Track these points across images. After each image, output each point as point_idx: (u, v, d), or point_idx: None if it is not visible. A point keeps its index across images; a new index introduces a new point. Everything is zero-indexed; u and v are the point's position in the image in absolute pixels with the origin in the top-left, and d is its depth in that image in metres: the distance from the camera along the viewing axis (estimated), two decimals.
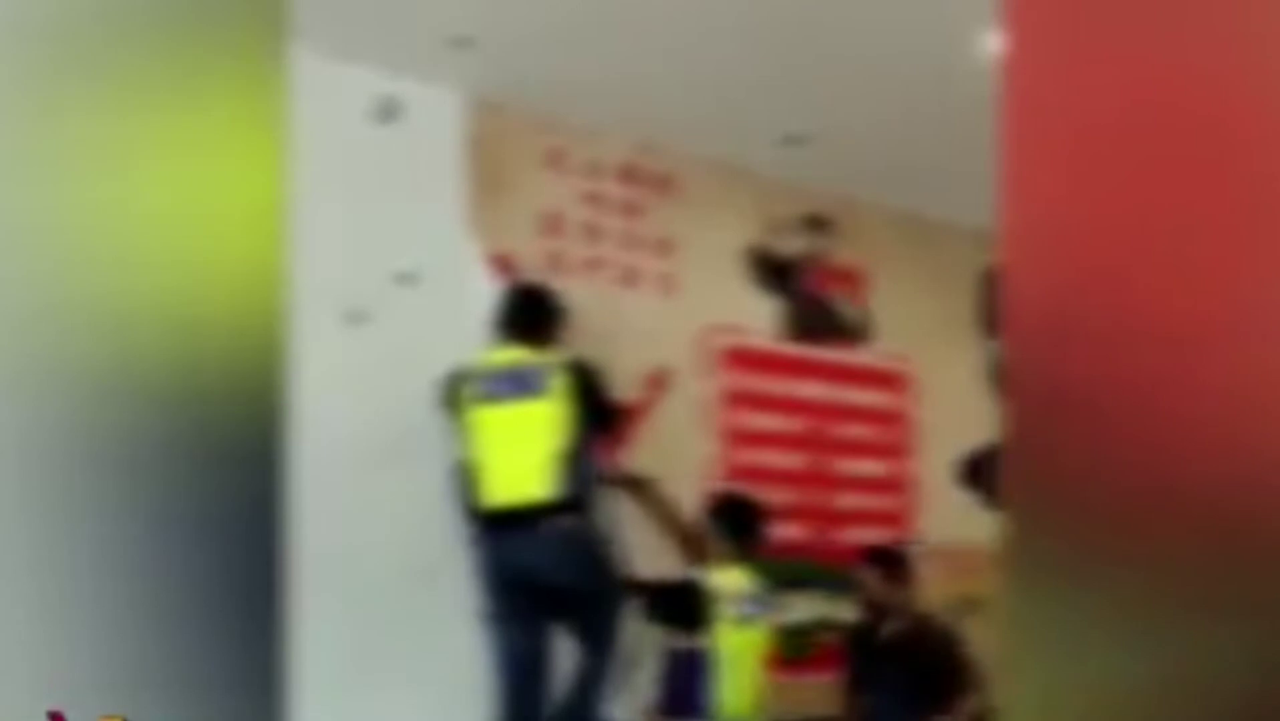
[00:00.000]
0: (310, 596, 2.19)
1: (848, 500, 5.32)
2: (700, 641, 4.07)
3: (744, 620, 4.12)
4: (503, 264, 4.37)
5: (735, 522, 4.31)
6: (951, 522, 5.52)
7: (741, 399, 5.05)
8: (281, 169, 1.77)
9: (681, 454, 4.77)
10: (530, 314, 4.03)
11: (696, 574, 4.20)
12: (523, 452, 3.81)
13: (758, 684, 4.16)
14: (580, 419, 3.85)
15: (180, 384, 1.67)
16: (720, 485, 4.76)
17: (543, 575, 3.81)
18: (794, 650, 4.77)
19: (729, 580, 4.16)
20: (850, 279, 5.44)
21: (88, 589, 1.57)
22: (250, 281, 1.73)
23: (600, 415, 3.97)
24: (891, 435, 5.50)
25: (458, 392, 3.91)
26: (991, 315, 5.73)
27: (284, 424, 1.70)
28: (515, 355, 3.92)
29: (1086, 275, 1.59)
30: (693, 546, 4.35)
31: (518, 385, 3.86)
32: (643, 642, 4.18)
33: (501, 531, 3.80)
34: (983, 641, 4.88)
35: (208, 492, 1.63)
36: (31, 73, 1.67)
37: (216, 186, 1.73)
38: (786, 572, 4.63)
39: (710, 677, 4.06)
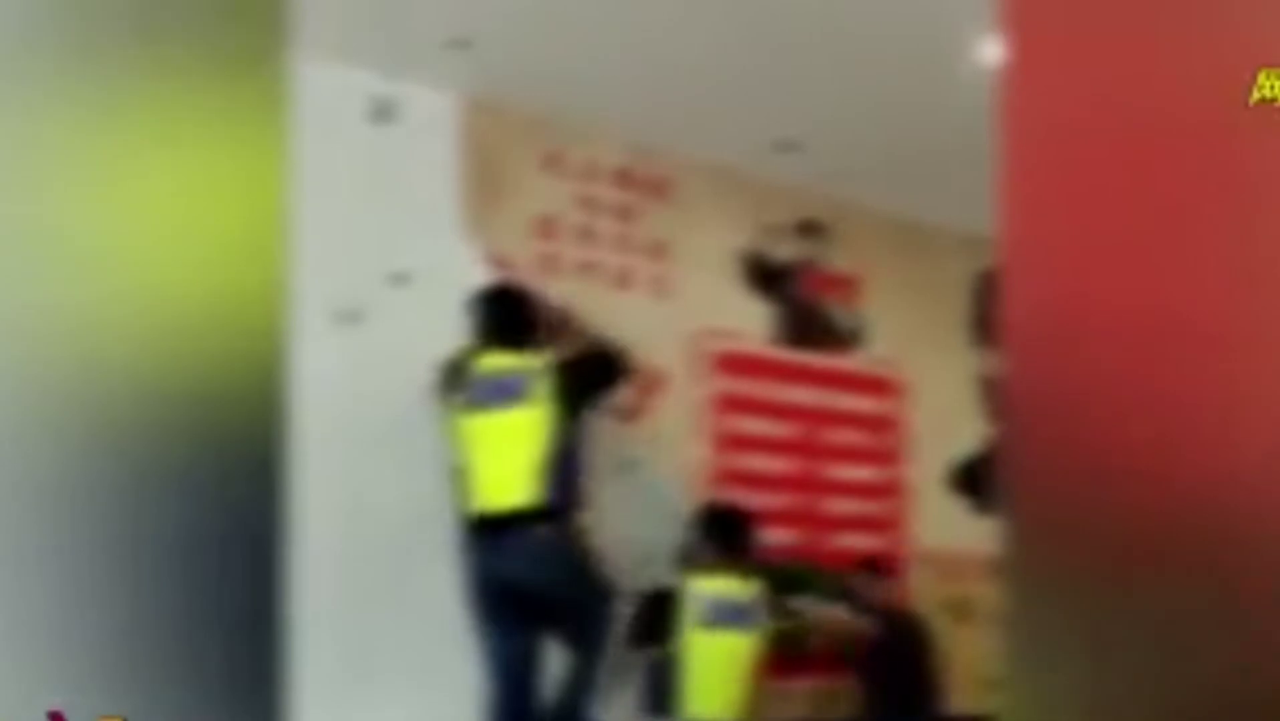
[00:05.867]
0: (310, 596, 2.19)
1: (840, 505, 5.33)
2: (669, 646, 4.13)
3: (713, 625, 4.14)
4: (497, 265, 4.37)
5: (723, 531, 4.34)
6: (944, 528, 5.53)
7: (734, 403, 5.05)
8: (280, 170, 1.77)
9: (674, 458, 4.78)
10: (511, 319, 4.02)
11: (673, 582, 4.24)
12: (507, 460, 3.81)
13: (735, 689, 4.17)
14: (567, 420, 3.86)
15: (177, 385, 1.67)
16: (711, 493, 4.78)
17: (525, 583, 3.82)
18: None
19: (707, 586, 4.19)
20: (844, 285, 5.44)
21: (87, 588, 1.57)
22: (249, 282, 1.73)
23: (602, 375, 4.00)
24: (884, 440, 5.51)
25: (448, 391, 3.91)
26: (986, 321, 5.75)
27: (283, 425, 1.70)
28: (499, 362, 3.91)
29: (1084, 281, 1.60)
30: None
31: (501, 392, 3.85)
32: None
33: (486, 539, 3.81)
34: (977, 647, 4.91)
35: (207, 493, 1.63)
36: (31, 75, 1.67)
37: (214, 187, 1.73)
38: (784, 576, 4.64)
39: (675, 680, 4.10)
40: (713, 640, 4.15)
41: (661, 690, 4.14)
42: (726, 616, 4.19)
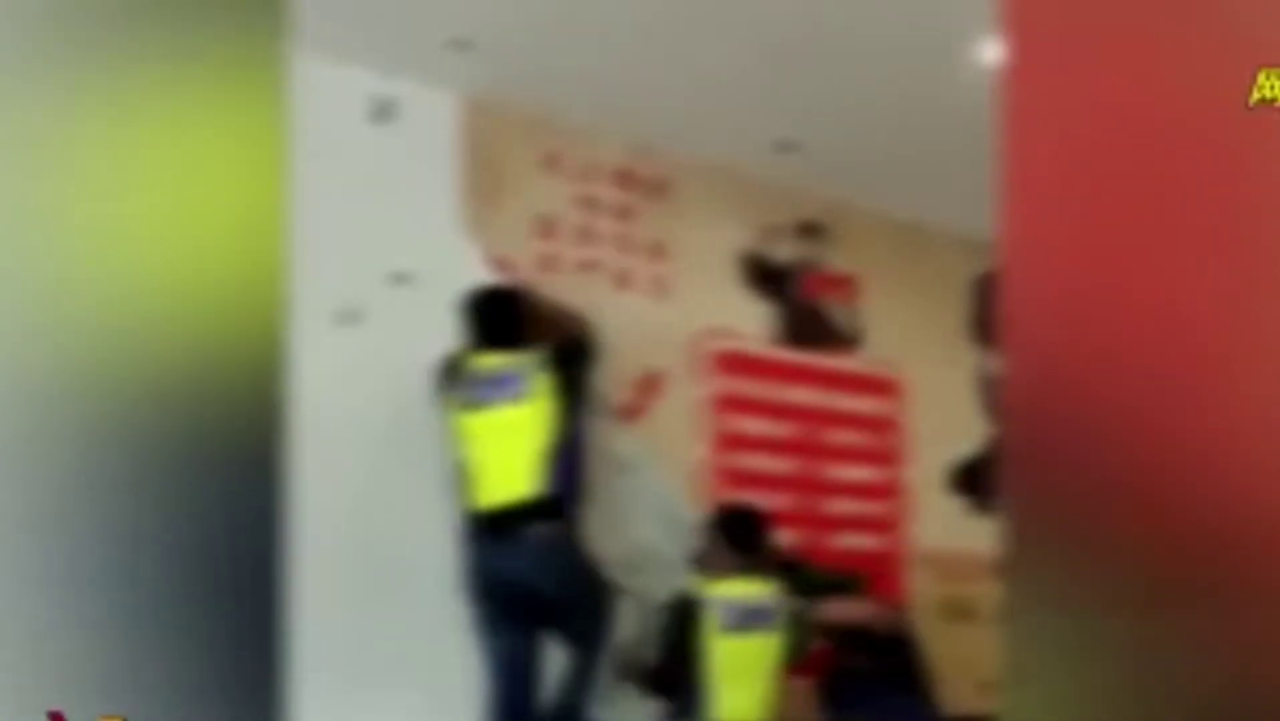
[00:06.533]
0: (310, 596, 2.19)
1: (840, 505, 5.33)
2: (694, 654, 4.11)
3: (735, 630, 4.13)
4: (497, 265, 4.38)
5: (738, 534, 4.32)
6: (944, 528, 5.53)
7: (734, 403, 5.05)
8: (280, 169, 1.77)
9: (674, 458, 4.78)
10: (503, 319, 4.03)
11: (687, 587, 4.22)
12: (508, 455, 3.82)
13: (761, 692, 4.17)
14: (567, 412, 3.87)
15: (177, 385, 1.67)
16: (720, 495, 4.77)
17: (526, 583, 3.82)
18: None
19: (726, 591, 4.17)
20: (844, 285, 5.44)
21: (87, 589, 1.57)
22: (249, 282, 1.73)
23: (584, 352, 4.05)
24: (883, 441, 5.50)
25: (447, 389, 3.92)
26: (986, 321, 5.75)
27: (283, 426, 1.70)
28: (495, 361, 3.92)
29: (1085, 283, 1.60)
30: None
31: (500, 389, 3.87)
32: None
33: (487, 538, 3.81)
34: (977, 647, 4.90)
35: (207, 493, 1.63)
36: (28, 72, 1.67)
37: (214, 187, 1.73)
38: (798, 575, 4.62)
39: (700, 685, 4.09)
40: (736, 644, 4.14)
41: (688, 697, 4.13)
42: (748, 620, 4.17)
